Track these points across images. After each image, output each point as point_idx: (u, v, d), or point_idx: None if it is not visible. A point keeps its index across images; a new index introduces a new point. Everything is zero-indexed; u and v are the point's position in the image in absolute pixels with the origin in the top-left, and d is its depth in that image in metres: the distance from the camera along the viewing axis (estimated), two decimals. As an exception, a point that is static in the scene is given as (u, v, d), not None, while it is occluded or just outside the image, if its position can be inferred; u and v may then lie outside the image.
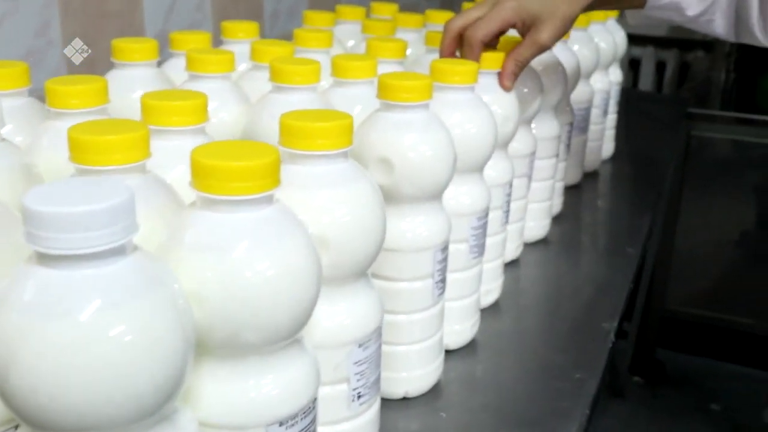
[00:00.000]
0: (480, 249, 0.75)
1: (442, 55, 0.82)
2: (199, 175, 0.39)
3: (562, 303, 0.89)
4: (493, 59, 0.78)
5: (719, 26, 0.87)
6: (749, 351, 2.16)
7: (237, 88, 0.72)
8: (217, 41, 0.89)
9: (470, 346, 0.77)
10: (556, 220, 1.11)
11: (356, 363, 0.51)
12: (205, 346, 0.40)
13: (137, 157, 0.45)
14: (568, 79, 1.02)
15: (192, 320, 0.37)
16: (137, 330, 0.33)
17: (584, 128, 1.23)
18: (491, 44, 0.83)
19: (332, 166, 0.49)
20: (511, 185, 0.83)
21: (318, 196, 0.48)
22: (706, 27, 0.88)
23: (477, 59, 0.78)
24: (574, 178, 1.25)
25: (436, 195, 0.64)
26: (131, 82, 0.73)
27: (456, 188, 0.70)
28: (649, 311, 2.18)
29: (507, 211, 0.84)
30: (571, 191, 1.22)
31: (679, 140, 1.79)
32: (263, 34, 1.35)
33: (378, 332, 0.53)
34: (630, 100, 1.80)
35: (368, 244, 0.50)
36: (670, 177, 1.95)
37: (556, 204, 1.12)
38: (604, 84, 1.29)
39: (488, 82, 0.78)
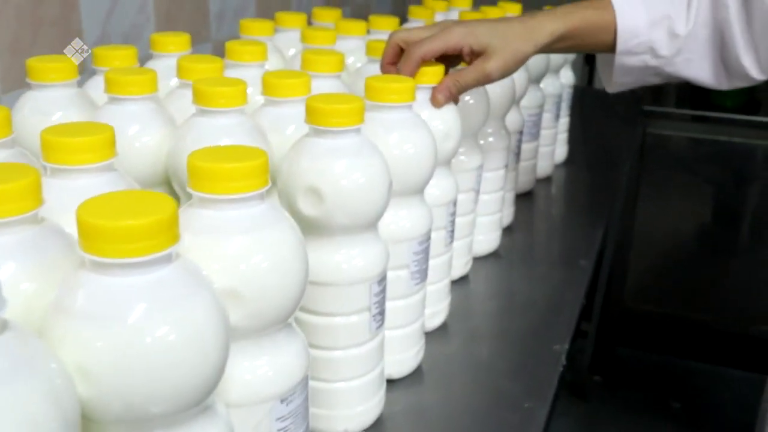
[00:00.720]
0: (422, 274, 0.71)
1: (381, 66, 0.79)
2: (86, 236, 0.35)
3: (513, 323, 0.86)
4: (432, 73, 0.75)
5: (703, 70, 0.82)
6: (708, 347, 2.16)
7: (161, 109, 0.68)
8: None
9: (415, 375, 0.74)
10: (507, 231, 1.08)
11: (279, 419, 0.48)
12: (98, 422, 0.36)
13: (27, 207, 0.40)
14: (517, 87, 0.99)
15: (74, 400, 0.33)
16: (4, 422, 0.29)
17: (535, 134, 1.20)
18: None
19: (246, 210, 0.44)
20: (455, 203, 0.80)
21: (230, 243, 0.43)
22: (687, 69, 0.82)
23: (412, 74, 0.74)
24: (526, 185, 1.22)
25: (371, 224, 0.60)
26: (48, 104, 0.69)
27: (395, 212, 0.66)
28: (608, 309, 2.17)
29: (451, 231, 0.80)
30: (523, 199, 1.19)
31: (635, 138, 1.77)
32: (209, 36, 1.31)
33: (304, 383, 0.49)
34: (585, 98, 1.77)
35: (288, 293, 0.46)
36: (626, 178, 1.93)
37: (507, 215, 1.09)
38: (556, 87, 1.26)
39: (427, 98, 0.75)
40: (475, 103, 0.86)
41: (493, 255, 1.01)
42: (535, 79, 1.15)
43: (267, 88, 0.68)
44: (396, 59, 0.78)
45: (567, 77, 1.35)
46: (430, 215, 0.70)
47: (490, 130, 0.96)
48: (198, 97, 0.62)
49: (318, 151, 0.57)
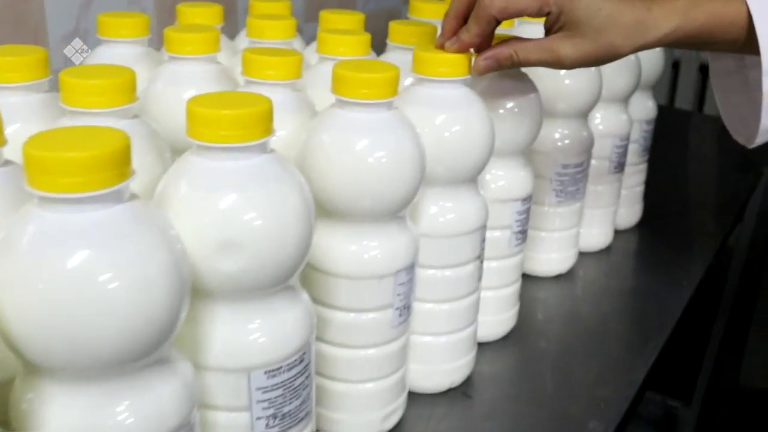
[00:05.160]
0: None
1: (444, 22, 0.63)
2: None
3: None
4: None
5: None
6: None
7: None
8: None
9: None
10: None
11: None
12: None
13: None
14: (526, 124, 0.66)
15: None
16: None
17: (575, 192, 0.81)
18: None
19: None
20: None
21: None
22: None
23: (477, 37, 0.60)
24: (558, 265, 0.85)
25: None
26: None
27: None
28: (717, 389, 1.75)
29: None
30: (549, 284, 0.85)
31: (758, 177, 1.33)
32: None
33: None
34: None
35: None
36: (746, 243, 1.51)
37: (496, 323, 0.72)
38: (619, 125, 0.87)
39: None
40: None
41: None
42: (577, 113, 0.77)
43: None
44: (457, 27, 0.63)
45: (641, 108, 0.94)
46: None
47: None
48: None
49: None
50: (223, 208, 0.39)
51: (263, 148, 0.41)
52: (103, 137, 0.35)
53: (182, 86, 0.59)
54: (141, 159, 0.46)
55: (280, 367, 0.44)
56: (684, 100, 2.11)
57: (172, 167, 0.41)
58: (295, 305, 0.44)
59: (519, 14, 0.60)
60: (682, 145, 1.43)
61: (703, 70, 2.10)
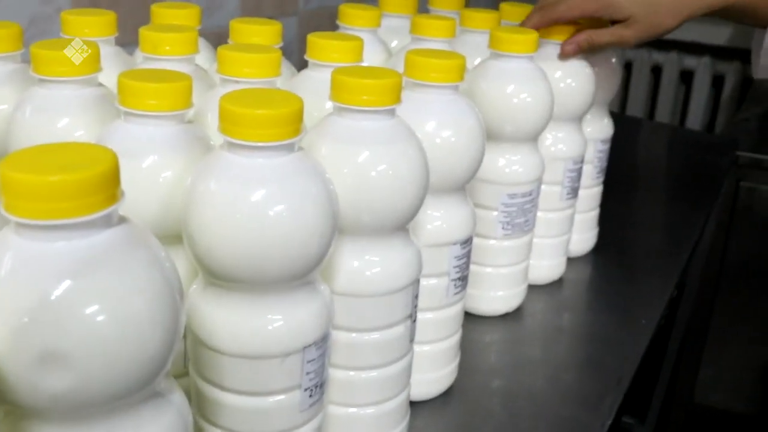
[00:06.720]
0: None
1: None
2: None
3: None
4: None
5: None
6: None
7: None
8: None
9: None
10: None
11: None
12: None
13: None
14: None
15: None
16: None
17: (523, 225, 0.73)
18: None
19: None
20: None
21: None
22: None
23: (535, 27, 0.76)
24: (498, 304, 0.75)
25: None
26: None
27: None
28: (671, 407, 1.68)
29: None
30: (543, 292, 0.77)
31: (716, 195, 1.25)
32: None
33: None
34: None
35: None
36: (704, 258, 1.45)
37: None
38: (570, 147, 0.79)
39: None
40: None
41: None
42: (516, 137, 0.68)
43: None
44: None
45: (597, 125, 0.86)
46: None
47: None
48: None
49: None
50: (42, 305, 0.28)
51: (107, 222, 0.30)
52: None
53: (53, 114, 0.50)
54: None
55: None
56: (636, 103, 2.05)
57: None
58: (161, 415, 0.34)
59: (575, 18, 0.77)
60: (634, 158, 1.36)
61: (656, 71, 2.04)
